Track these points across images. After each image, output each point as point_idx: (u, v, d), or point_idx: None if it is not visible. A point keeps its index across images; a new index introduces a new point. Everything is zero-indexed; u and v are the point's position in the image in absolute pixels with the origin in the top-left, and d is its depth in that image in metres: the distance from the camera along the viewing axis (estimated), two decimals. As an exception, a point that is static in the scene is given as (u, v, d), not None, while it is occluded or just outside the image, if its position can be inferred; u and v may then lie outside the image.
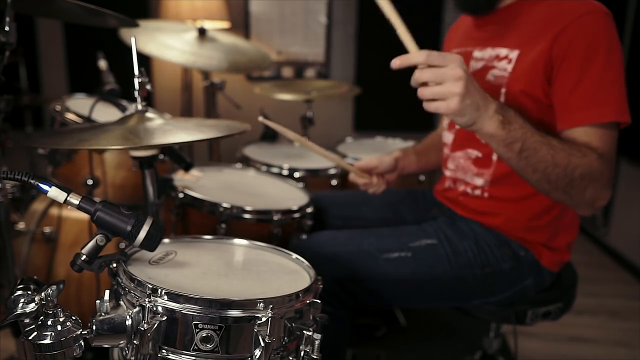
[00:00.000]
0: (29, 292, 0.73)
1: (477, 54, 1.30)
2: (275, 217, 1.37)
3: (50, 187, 0.79)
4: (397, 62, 0.96)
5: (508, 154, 1.04)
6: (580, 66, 1.10)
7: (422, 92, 0.97)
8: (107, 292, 0.80)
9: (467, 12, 1.33)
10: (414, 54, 0.96)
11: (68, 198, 0.80)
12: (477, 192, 1.33)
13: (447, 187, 1.43)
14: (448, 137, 1.42)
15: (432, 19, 3.61)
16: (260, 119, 1.29)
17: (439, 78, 0.94)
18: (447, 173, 1.43)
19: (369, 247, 1.27)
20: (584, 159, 1.05)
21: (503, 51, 1.24)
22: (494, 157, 1.28)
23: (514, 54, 1.21)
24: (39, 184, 0.79)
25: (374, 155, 1.48)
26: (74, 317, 0.76)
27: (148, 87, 1.06)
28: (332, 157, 1.40)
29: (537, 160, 1.04)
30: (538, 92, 1.17)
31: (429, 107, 0.97)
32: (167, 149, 1.32)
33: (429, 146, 1.62)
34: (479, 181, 1.32)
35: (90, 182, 1.55)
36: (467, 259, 1.27)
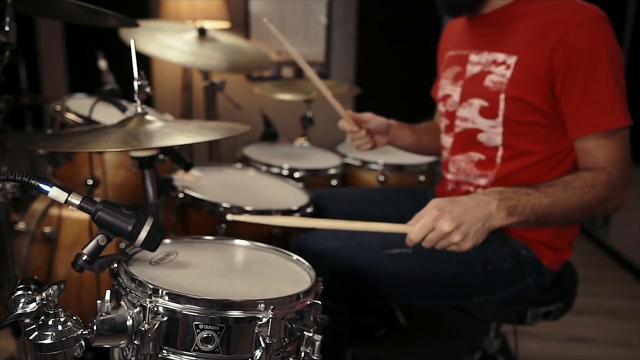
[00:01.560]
0: (30, 292, 0.73)
1: (473, 57, 1.30)
2: (276, 217, 1.37)
3: (51, 187, 0.79)
4: (411, 245, 1.07)
5: (524, 225, 1.12)
6: (585, 75, 1.12)
7: (437, 248, 1.06)
8: (108, 292, 0.80)
9: (447, 14, 1.33)
10: (409, 242, 1.06)
11: (69, 198, 0.80)
12: (480, 191, 1.33)
13: (450, 189, 1.43)
14: (447, 140, 1.42)
15: (432, 20, 3.61)
16: (265, 20, 1.31)
17: (436, 240, 1.04)
18: (449, 176, 1.43)
19: (370, 243, 1.27)
20: (594, 190, 1.11)
21: (500, 56, 1.24)
22: (498, 159, 1.28)
23: (511, 60, 1.21)
24: (40, 185, 0.79)
25: (374, 155, 1.48)
26: (74, 317, 0.76)
27: (148, 89, 1.06)
28: (327, 92, 1.39)
29: (554, 218, 1.12)
30: (538, 100, 1.18)
31: (454, 249, 1.06)
32: (167, 149, 1.32)
33: (424, 128, 1.62)
34: (482, 181, 1.32)
35: (90, 182, 1.55)
36: (467, 256, 1.27)
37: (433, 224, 1.02)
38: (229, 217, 1.01)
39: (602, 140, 1.13)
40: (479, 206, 1.05)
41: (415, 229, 1.03)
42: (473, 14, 1.29)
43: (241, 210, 1.36)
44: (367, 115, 1.48)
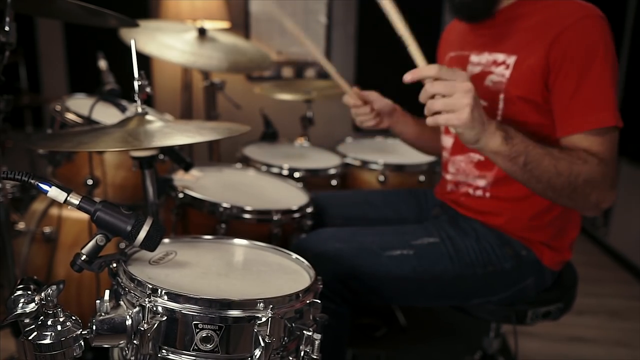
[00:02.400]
0: (29, 292, 0.73)
1: (474, 58, 1.30)
2: (275, 217, 1.37)
3: (50, 187, 0.79)
4: (408, 77, 0.99)
5: (513, 168, 1.06)
6: (578, 72, 1.11)
7: (433, 105, 0.98)
8: (107, 292, 0.80)
9: (464, 19, 1.32)
10: (425, 68, 0.98)
11: (68, 198, 0.80)
12: (479, 192, 1.33)
13: (449, 190, 1.43)
14: (447, 141, 1.42)
15: (431, 20, 3.61)
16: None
17: (450, 90, 0.96)
18: (448, 177, 1.43)
19: (371, 245, 1.27)
20: (585, 165, 1.07)
21: (500, 56, 1.24)
22: None
23: (511, 60, 1.21)
24: (39, 184, 0.79)
25: (374, 155, 1.48)
26: (74, 317, 0.76)
27: (148, 89, 1.07)
28: (330, 68, 1.39)
29: (541, 171, 1.06)
30: (537, 98, 1.17)
31: (439, 119, 0.98)
32: (167, 149, 1.32)
33: (426, 124, 1.61)
34: (481, 182, 1.32)
35: (90, 182, 1.55)
36: (468, 257, 1.27)
37: (459, 75, 0.96)
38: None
39: (592, 138, 1.11)
40: (486, 116, 1.02)
41: (435, 65, 0.97)
42: (488, 18, 1.27)
43: (241, 210, 1.36)
44: (373, 95, 1.47)
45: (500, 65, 1.23)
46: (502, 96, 1.22)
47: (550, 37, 1.13)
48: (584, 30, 1.11)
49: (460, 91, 0.95)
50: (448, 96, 0.96)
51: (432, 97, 0.98)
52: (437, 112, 0.98)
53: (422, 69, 0.99)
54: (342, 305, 1.22)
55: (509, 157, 1.04)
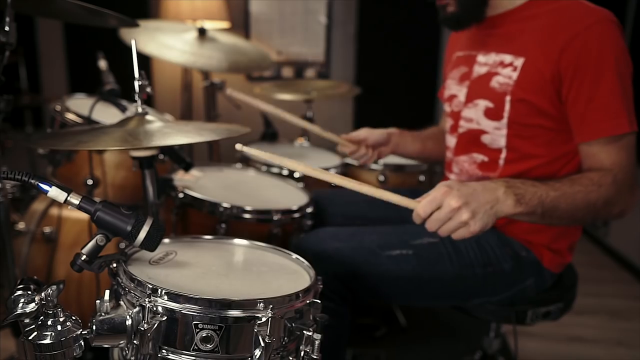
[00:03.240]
0: (29, 292, 0.73)
1: (481, 58, 1.30)
2: (275, 217, 1.37)
3: (50, 187, 0.79)
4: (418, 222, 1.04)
5: (532, 219, 1.09)
6: (592, 79, 1.11)
7: (443, 233, 1.01)
8: (107, 292, 0.80)
9: (451, 29, 1.34)
10: (417, 217, 1.03)
11: (68, 198, 0.80)
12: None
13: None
14: (451, 140, 1.42)
15: (432, 19, 3.61)
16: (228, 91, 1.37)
17: (444, 219, 0.99)
18: (451, 177, 1.43)
19: (371, 244, 1.27)
20: (600, 189, 1.09)
21: (508, 58, 1.23)
22: (501, 161, 1.28)
23: (519, 62, 1.20)
24: (39, 184, 0.79)
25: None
26: (74, 317, 0.76)
27: (148, 89, 1.07)
28: (315, 127, 1.40)
29: (560, 213, 1.08)
30: (544, 103, 1.17)
31: (457, 236, 1.01)
32: (167, 149, 1.32)
33: (428, 135, 1.61)
34: (484, 184, 1.32)
35: (90, 182, 1.55)
36: (468, 257, 1.27)
37: (442, 198, 0.99)
38: (238, 147, 0.98)
39: (608, 146, 1.12)
40: (486, 190, 1.02)
41: (422, 203, 1.00)
42: (480, 22, 1.28)
43: (241, 210, 1.36)
44: (363, 133, 1.48)
45: (507, 67, 1.22)
46: (508, 98, 1.21)
47: (560, 43, 1.13)
48: (595, 38, 1.10)
49: (453, 214, 0.98)
50: (450, 221, 0.99)
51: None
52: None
53: (415, 217, 1.03)
54: (342, 304, 1.22)
55: (526, 214, 1.06)
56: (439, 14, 1.30)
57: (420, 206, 1.01)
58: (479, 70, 1.29)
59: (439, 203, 0.99)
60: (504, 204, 1.02)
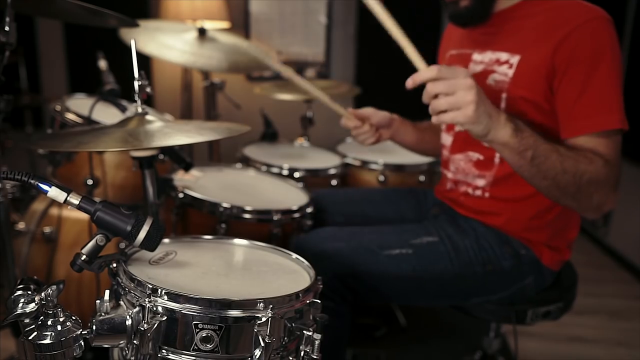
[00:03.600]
0: (29, 292, 0.73)
1: (476, 56, 1.30)
2: (275, 217, 1.37)
3: (50, 187, 0.79)
4: (410, 82, 0.99)
5: (520, 162, 1.05)
6: (584, 74, 1.11)
7: (436, 104, 0.98)
8: (107, 292, 0.80)
9: (460, 26, 1.33)
10: (425, 71, 0.98)
11: (68, 198, 0.80)
12: (478, 192, 1.33)
13: (448, 188, 1.43)
14: (447, 139, 1.42)
15: (431, 19, 3.61)
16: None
17: (452, 88, 0.96)
18: (449, 175, 1.43)
19: (370, 243, 1.27)
20: (591, 165, 1.07)
21: (503, 55, 1.23)
22: (496, 159, 1.28)
23: (514, 59, 1.21)
24: (39, 184, 0.79)
25: (374, 155, 1.48)
26: (74, 317, 0.76)
27: (148, 89, 1.07)
28: (322, 96, 1.39)
29: (547, 167, 1.05)
30: (540, 99, 1.17)
31: (445, 117, 0.98)
32: (167, 149, 1.32)
33: (426, 127, 1.61)
34: (480, 182, 1.32)
35: (90, 182, 1.55)
36: (467, 256, 1.27)
37: (460, 72, 0.96)
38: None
39: (597, 140, 1.11)
40: (495, 108, 1.01)
41: (434, 66, 0.97)
42: (482, 22, 1.28)
43: (241, 210, 1.36)
44: (368, 111, 1.48)
45: (503, 64, 1.23)
46: (504, 95, 1.22)
47: (556, 39, 1.13)
48: (590, 33, 1.11)
49: (463, 88, 0.95)
50: (451, 94, 0.96)
51: (436, 96, 0.98)
52: (442, 111, 0.98)
53: (423, 72, 0.98)
54: (342, 304, 1.22)
55: (517, 150, 1.03)
56: (449, 10, 1.28)
57: (432, 68, 0.97)
58: (474, 68, 1.30)
59: (455, 74, 0.96)
60: (501, 126, 1.01)
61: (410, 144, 1.58)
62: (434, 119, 1.00)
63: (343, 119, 1.47)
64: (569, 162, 1.05)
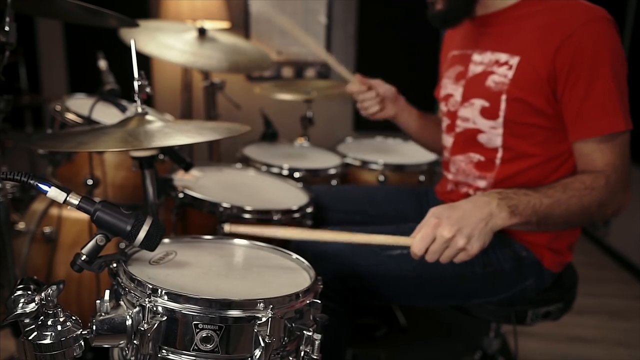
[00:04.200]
0: (29, 292, 0.73)
1: (476, 57, 1.30)
2: (275, 217, 1.37)
3: (49, 187, 0.79)
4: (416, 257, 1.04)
5: (528, 228, 1.11)
6: (587, 78, 1.11)
7: (444, 261, 1.03)
8: (107, 292, 0.80)
9: (437, 27, 1.34)
10: (414, 255, 1.04)
11: (67, 198, 0.80)
12: (478, 193, 1.33)
13: (449, 189, 1.43)
14: (447, 140, 1.42)
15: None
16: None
17: (440, 250, 1.01)
18: (449, 176, 1.43)
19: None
20: (593, 192, 1.09)
21: (503, 56, 1.23)
22: (497, 160, 1.28)
23: (514, 60, 1.20)
24: (39, 184, 0.78)
25: (374, 155, 1.48)
26: (74, 317, 0.76)
27: (148, 89, 1.06)
28: (330, 58, 1.40)
29: (555, 220, 1.09)
30: (540, 102, 1.17)
31: (458, 260, 1.03)
32: (167, 149, 1.32)
33: (429, 118, 1.61)
34: (481, 183, 1.32)
35: (90, 182, 1.55)
36: (468, 257, 1.27)
37: (433, 232, 1.00)
38: (227, 228, 0.98)
39: (602, 145, 1.12)
40: (478, 207, 1.04)
41: (416, 240, 1.02)
42: (470, 17, 1.29)
43: (241, 210, 1.36)
44: (376, 81, 1.48)
45: (502, 66, 1.22)
46: (504, 97, 1.21)
47: (556, 42, 1.13)
48: (591, 35, 1.10)
49: (448, 243, 1.00)
50: (445, 251, 1.01)
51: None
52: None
53: (414, 252, 1.03)
54: (342, 304, 1.22)
55: (520, 224, 1.07)
56: (428, 12, 1.30)
57: (414, 244, 1.02)
58: (474, 69, 1.30)
59: (432, 237, 1.00)
60: (498, 217, 1.03)
61: (413, 129, 1.58)
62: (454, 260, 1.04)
63: (349, 84, 1.46)
64: (573, 203, 1.08)
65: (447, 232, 0.99)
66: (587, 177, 1.11)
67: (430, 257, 1.02)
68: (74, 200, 0.80)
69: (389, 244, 1.07)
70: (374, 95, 1.45)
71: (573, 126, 1.15)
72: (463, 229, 1.00)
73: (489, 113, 1.25)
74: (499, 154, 1.27)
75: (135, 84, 1.05)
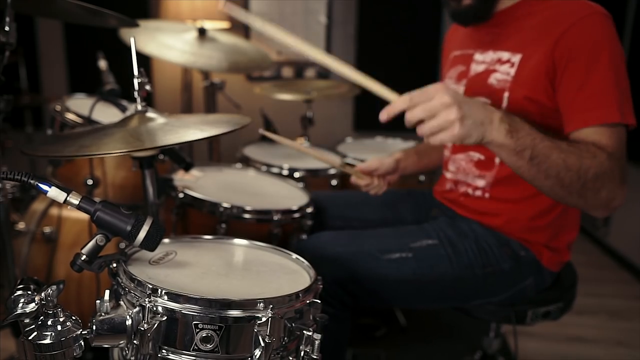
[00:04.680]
0: (29, 292, 0.73)
1: (478, 56, 1.30)
2: (275, 217, 1.37)
3: (50, 187, 0.79)
4: (384, 116, 0.95)
5: (519, 163, 1.00)
6: (584, 68, 1.10)
7: (422, 130, 0.94)
8: (107, 292, 0.80)
9: (461, 24, 1.33)
10: (398, 102, 0.94)
11: (68, 198, 0.80)
12: (478, 192, 1.33)
13: (448, 188, 1.43)
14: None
15: (432, 19, 3.61)
16: (261, 131, 1.39)
17: (431, 112, 0.92)
18: (448, 175, 1.43)
19: (370, 248, 1.27)
20: (594, 159, 1.03)
21: (505, 55, 1.23)
22: (497, 159, 1.28)
23: (516, 58, 1.21)
24: (39, 184, 0.79)
25: (374, 155, 1.48)
26: (74, 317, 0.76)
27: (148, 87, 1.06)
28: (332, 161, 1.41)
29: (549, 165, 1.00)
30: (542, 97, 1.17)
31: (435, 140, 0.94)
32: (167, 149, 1.32)
33: (430, 146, 1.61)
34: (480, 182, 1.32)
35: (90, 182, 1.55)
36: (467, 259, 1.27)
37: (434, 92, 0.92)
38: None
39: (598, 133, 1.08)
40: (483, 107, 0.97)
41: (414, 92, 0.93)
42: (484, 21, 1.28)
43: (241, 210, 1.36)
44: (374, 163, 1.48)
45: (505, 64, 1.23)
46: (506, 95, 1.21)
47: (555, 36, 1.13)
48: (588, 28, 1.11)
49: (442, 108, 0.91)
50: (432, 117, 0.92)
51: (420, 121, 0.94)
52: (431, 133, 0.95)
53: (395, 103, 0.95)
54: (343, 309, 1.22)
55: (514, 151, 0.98)
56: (450, 9, 1.28)
57: (408, 94, 0.93)
58: (476, 68, 1.30)
59: (430, 96, 0.92)
60: (495, 129, 0.96)
61: (416, 170, 1.60)
62: (425, 141, 0.97)
63: (353, 177, 1.49)
64: (571, 158, 1.01)
65: (448, 98, 0.91)
66: (591, 146, 1.06)
67: (415, 112, 0.93)
68: (74, 200, 0.81)
69: (375, 91, 0.97)
70: (377, 182, 1.48)
71: (567, 116, 1.13)
72: (462, 106, 0.92)
73: None
74: None
75: (135, 82, 1.04)
